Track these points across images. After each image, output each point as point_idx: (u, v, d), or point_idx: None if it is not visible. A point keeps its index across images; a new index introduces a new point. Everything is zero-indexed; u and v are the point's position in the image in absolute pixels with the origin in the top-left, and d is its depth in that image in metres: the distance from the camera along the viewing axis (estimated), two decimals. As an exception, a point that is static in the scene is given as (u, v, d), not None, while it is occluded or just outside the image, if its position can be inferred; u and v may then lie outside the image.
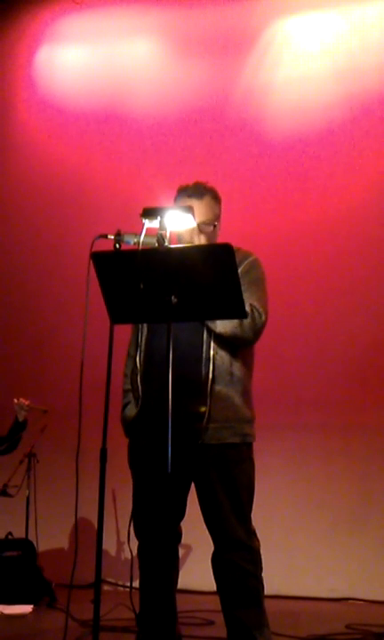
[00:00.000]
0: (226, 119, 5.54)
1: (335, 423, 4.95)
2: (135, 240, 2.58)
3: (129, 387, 2.95)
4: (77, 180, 5.80)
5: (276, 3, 5.56)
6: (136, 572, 2.90)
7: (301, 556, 4.86)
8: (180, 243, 2.90)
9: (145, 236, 2.55)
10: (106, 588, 4.82)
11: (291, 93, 5.39)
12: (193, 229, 2.86)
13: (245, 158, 5.44)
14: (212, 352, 2.79)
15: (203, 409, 2.76)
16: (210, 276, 2.46)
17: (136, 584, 2.93)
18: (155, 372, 2.84)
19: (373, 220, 5.13)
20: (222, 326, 2.78)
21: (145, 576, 2.89)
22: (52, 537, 5.08)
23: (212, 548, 2.86)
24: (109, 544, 4.94)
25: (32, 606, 4.47)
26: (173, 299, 2.44)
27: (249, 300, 2.76)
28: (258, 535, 2.88)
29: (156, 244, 2.51)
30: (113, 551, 5.04)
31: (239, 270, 2.63)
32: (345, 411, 4.95)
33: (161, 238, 2.51)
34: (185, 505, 2.90)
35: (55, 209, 5.82)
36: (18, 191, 5.98)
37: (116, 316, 2.59)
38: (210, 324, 2.79)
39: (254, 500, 2.90)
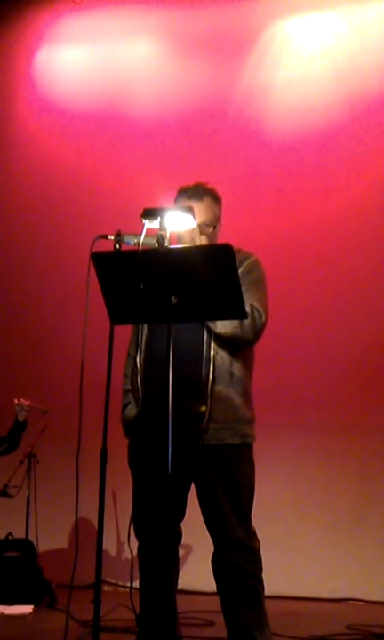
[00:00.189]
0: (226, 119, 5.54)
1: (335, 423, 4.95)
2: (135, 240, 2.58)
3: (129, 387, 2.95)
4: (77, 180, 5.80)
5: (277, 3, 5.56)
6: (136, 573, 2.90)
7: (301, 556, 4.86)
8: (180, 243, 2.90)
9: (145, 236, 2.55)
10: (106, 588, 4.82)
11: (291, 94, 5.39)
12: (193, 230, 2.85)
13: (245, 158, 5.45)
14: (212, 352, 2.79)
15: (203, 409, 2.76)
16: (210, 277, 2.46)
17: (136, 584, 2.92)
18: (155, 373, 2.84)
19: (373, 220, 5.13)
20: (222, 327, 2.78)
21: (145, 576, 2.89)
22: (52, 537, 5.08)
23: (212, 549, 2.86)
24: (109, 544, 4.94)
25: (32, 607, 4.48)
26: (173, 299, 2.44)
27: (249, 301, 2.76)
28: (258, 535, 2.88)
29: (157, 245, 2.51)
30: (113, 551, 5.04)
31: (239, 271, 2.63)
32: (345, 411, 4.95)
33: (161, 239, 2.51)
34: (185, 505, 2.90)
35: (55, 209, 5.82)
36: (18, 191, 5.98)
37: (116, 317, 2.59)
38: (210, 324, 2.78)
39: (254, 500, 2.90)
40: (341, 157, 5.26)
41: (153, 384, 2.84)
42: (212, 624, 3.93)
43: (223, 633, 2.88)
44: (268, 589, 2.89)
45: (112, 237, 2.59)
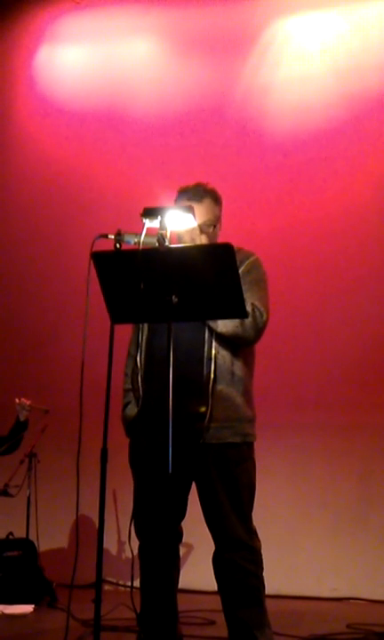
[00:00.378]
0: (226, 119, 5.54)
1: (336, 423, 4.95)
2: (136, 240, 2.58)
3: (129, 386, 2.95)
4: (77, 179, 5.80)
5: (277, 2, 5.55)
6: (137, 572, 2.89)
7: (302, 555, 4.87)
8: (180, 243, 2.90)
9: (145, 235, 2.55)
10: (107, 587, 4.83)
11: (291, 93, 5.39)
12: (193, 229, 2.85)
13: (245, 158, 5.44)
14: (213, 352, 2.79)
15: (203, 409, 2.76)
16: (210, 276, 2.46)
17: (137, 584, 2.92)
18: (155, 372, 2.84)
19: (373, 220, 5.13)
20: (224, 326, 2.78)
21: (146, 576, 2.89)
22: (52, 537, 5.08)
23: (213, 548, 2.86)
24: (110, 544, 4.94)
25: (33, 606, 4.48)
26: (174, 298, 2.44)
27: (250, 300, 2.76)
28: (259, 535, 2.88)
29: (157, 244, 2.51)
30: (114, 551, 5.04)
31: (240, 270, 2.63)
32: (346, 410, 4.95)
33: (161, 238, 2.51)
34: (186, 504, 2.90)
35: (55, 208, 5.82)
36: (17, 191, 5.98)
37: (117, 316, 2.59)
38: (211, 323, 2.78)
39: (255, 499, 2.90)
40: (341, 156, 5.26)
41: (153, 383, 2.84)
42: (212, 623, 3.93)
43: (224, 632, 2.88)
44: (269, 588, 2.89)
45: (112, 237, 2.59)
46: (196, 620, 3.99)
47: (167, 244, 2.52)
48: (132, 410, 2.91)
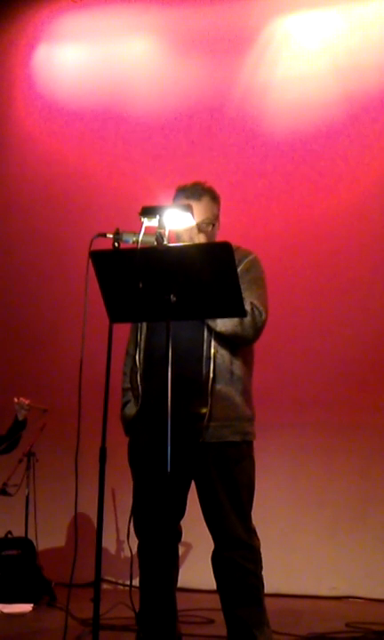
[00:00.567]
0: (225, 117, 5.53)
1: (335, 421, 4.95)
2: (134, 239, 2.57)
3: (128, 385, 2.94)
4: (76, 178, 5.79)
5: (276, 1, 5.55)
6: (136, 571, 2.89)
7: (301, 554, 4.87)
8: (178, 242, 2.90)
9: (144, 234, 2.55)
10: (105, 586, 4.82)
11: (290, 91, 5.39)
12: (192, 228, 2.85)
13: (244, 156, 5.44)
14: (212, 350, 2.79)
15: (204, 410, 2.75)
16: (209, 275, 2.46)
17: (136, 582, 2.92)
18: (154, 371, 2.84)
19: (373, 219, 5.13)
20: (223, 325, 2.77)
21: (145, 574, 2.89)
22: (51, 536, 5.08)
23: (212, 547, 2.86)
24: (109, 542, 4.94)
25: (32, 605, 4.48)
26: (172, 297, 2.44)
27: (249, 299, 2.76)
28: (258, 533, 2.88)
29: (155, 243, 2.51)
30: (113, 550, 5.04)
31: (239, 269, 2.63)
32: (345, 409, 4.95)
33: (160, 237, 2.51)
34: (185, 503, 2.90)
35: (53, 207, 5.82)
36: (16, 190, 5.98)
37: (115, 315, 2.59)
38: (210, 322, 2.78)
39: (254, 498, 2.90)
40: (341, 155, 5.26)
41: (153, 382, 2.84)
42: (211, 622, 3.93)
43: (223, 631, 2.88)
44: (268, 587, 2.89)
45: (111, 235, 2.59)
46: (195, 619, 3.99)
47: (166, 242, 2.52)
48: (131, 409, 2.90)
